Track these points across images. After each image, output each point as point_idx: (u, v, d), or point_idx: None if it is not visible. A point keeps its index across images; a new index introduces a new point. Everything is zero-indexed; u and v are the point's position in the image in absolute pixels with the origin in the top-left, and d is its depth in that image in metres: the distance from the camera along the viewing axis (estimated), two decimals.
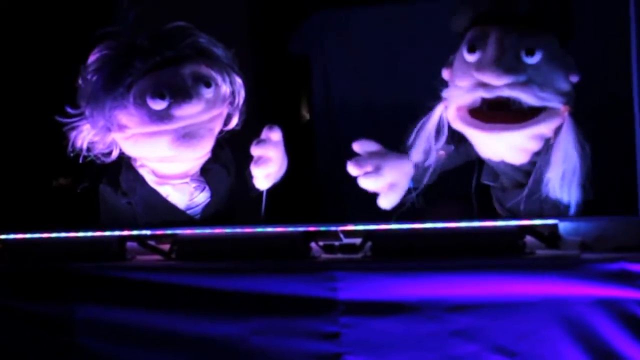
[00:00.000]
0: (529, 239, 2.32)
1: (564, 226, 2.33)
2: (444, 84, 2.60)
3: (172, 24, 2.65)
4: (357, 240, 2.40)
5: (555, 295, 2.19)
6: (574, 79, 2.50)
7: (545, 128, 2.48)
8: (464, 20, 2.57)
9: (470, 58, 2.49)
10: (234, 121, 2.75)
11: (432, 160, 2.60)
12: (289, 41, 3.54)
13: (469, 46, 2.49)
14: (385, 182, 2.53)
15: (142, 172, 2.72)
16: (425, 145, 2.59)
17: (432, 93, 2.60)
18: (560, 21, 2.50)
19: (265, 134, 2.60)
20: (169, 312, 2.39)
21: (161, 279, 2.41)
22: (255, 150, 2.59)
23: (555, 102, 2.47)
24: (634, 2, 2.28)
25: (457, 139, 2.62)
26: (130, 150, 2.68)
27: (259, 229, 2.45)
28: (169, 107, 2.56)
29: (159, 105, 2.56)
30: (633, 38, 2.28)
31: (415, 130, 2.60)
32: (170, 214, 2.70)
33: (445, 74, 2.60)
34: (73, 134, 2.67)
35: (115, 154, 2.70)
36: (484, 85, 2.47)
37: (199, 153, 2.67)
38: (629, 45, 2.32)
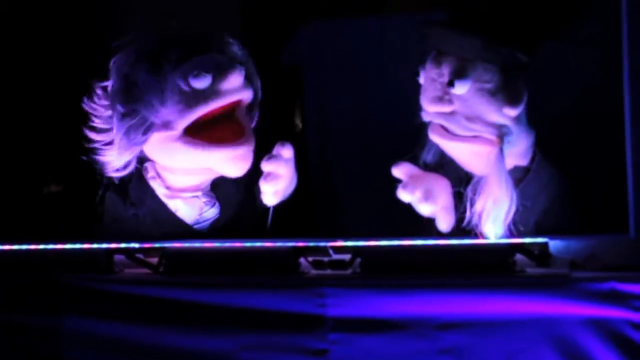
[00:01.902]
0: (519, 257, 2.31)
1: (554, 244, 2.32)
2: None
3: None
4: (347, 257, 2.39)
5: (545, 313, 2.18)
6: (511, 111, 2.48)
7: (477, 148, 2.49)
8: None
9: (421, 81, 2.56)
10: (254, 118, 2.75)
11: None
12: (282, 52, 3.54)
13: (417, 71, 2.56)
14: (440, 205, 2.53)
15: (154, 184, 2.71)
16: None
17: None
18: (501, 55, 2.47)
19: (276, 150, 2.60)
20: (157, 326, 2.38)
21: (149, 293, 2.39)
22: (266, 166, 2.58)
23: (486, 134, 2.48)
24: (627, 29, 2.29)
25: None
26: (167, 155, 2.64)
27: (248, 244, 2.44)
28: (213, 82, 2.56)
29: (203, 82, 2.55)
30: (625, 59, 2.29)
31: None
32: (177, 228, 2.69)
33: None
34: (102, 148, 2.64)
35: (129, 169, 2.68)
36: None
37: (241, 173, 2.65)
38: (619, 66, 2.32)
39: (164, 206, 2.70)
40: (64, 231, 2.91)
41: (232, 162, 2.61)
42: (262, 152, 2.65)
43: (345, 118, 3.44)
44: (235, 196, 2.77)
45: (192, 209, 2.72)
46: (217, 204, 2.75)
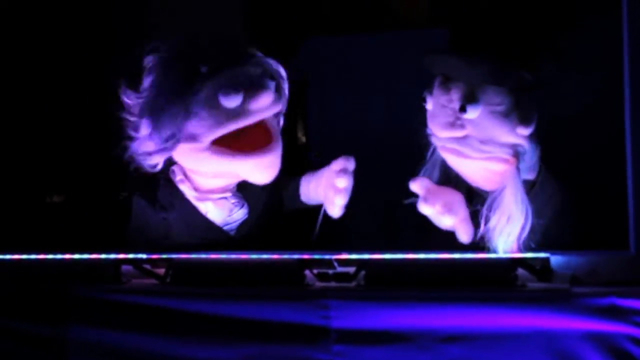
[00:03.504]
0: (520, 271, 2.34)
1: (555, 260, 2.35)
2: None
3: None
4: (351, 269, 2.42)
5: (545, 328, 2.20)
6: (525, 131, 2.49)
7: (493, 166, 2.51)
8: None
9: (428, 107, 2.57)
10: (281, 122, 2.76)
11: None
12: (286, 67, 3.56)
13: (423, 97, 2.57)
14: (459, 217, 2.55)
15: (182, 187, 2.71)
16: None
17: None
18: (509, 78, 2.49)
19: (344, 164, 2.62)
20: (163, 336, 2.40)
21: (156, 303, 2.41)
22: (343, 182, 2.60)
23: (500, 154, 2.50)
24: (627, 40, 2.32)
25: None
26: (194, 162, 2.65)
27: (254, 256, 2.47)
28: (243, 101, 2.55)
29: (234, 101, 2.54)
30: (626, 74, 2.32)
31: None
32: (208, 231, 2.70)
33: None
34: (133, 147, 2.62)
35: (160, 167, 2.66)
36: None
37: (270, 179, 2.67)
38: (621, 82, 2.35)
39: (194, 209, 2.70)
40: (85, 240, 2.91)
41: (261, 170, 2.63)
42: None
43: (349, 132, 3.46)
44: (262, 197, 2.78)
45: (222, 210, 2.72)
46: (245, 205, 2.76)
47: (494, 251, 2.45)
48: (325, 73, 3.56)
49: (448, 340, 2.24)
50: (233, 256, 2.50)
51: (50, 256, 2.57)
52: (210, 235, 2.70)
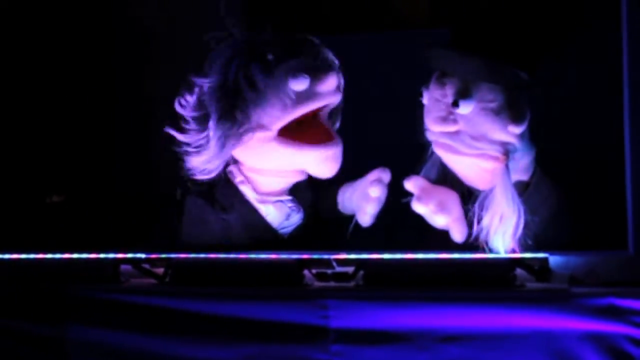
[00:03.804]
0: (519, 271, 2.34)
1: (554, 260, 2.35)
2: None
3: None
4: (350, 269, 2.42)
5: (544, 328, 2.21)
6: (516, 129, 2.49)
7: (483, 164, 2.52)
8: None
9: (424, 101, 2.59)
10: (336, 123, 2.81)
11: None
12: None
13: (421, 91, 2.59)
14: (453, 216, 2.56)
15: (244, 188, 2.73)
16: None
17: None
18: (504, 75, 2.50)
19: (379, 174, 2.66)
20: (162, 336, 2.40)
21: (154, 303, 2.42)
22: (376, 192, 2.64)
23: (491, 151, 2.50)
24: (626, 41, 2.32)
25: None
26: (256, 161, 2.69)
27: (253, 256, 2.47)
28: (311, 84, 2.59)
29: (302, 84, 2.59)
30: (625, 75, 2.32)
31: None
32: (266, 233, 2.73)
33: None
34: (194, 154, 2.64)
35: (216, 173, 2.67)
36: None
37: (332, 174, 2.70)
38: (619, 81, 2.36)
39: (255, 211, 2.72)
40: (84, 239, 2.91)
41: (325, 162, 2.66)
42: None
43: (348, 133, 3.46)
44: (313, 202, 2.82)
45: (280, 213, 2.75)
46: (301, 209, 2.79)
47: (491, 251, 2.46)
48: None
49: (447, 340, 2.25)
50: (232, 256, 2.50)
51: (49, 256, 2.57)
52: (267, 237, 2.73)
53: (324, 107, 2.71)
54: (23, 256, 2.60)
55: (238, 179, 2.73)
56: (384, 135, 3.25)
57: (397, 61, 3.30)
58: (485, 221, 2.48)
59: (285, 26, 2.72)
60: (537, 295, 2.25)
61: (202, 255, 2.52)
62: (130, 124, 3.31)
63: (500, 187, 2.47)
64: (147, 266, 2.56)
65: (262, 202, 2.74)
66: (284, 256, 2.45)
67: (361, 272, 2.40)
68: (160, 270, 2.53)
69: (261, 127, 2.62)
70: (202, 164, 2.63)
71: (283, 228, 2.77)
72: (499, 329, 2.23)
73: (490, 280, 2.31)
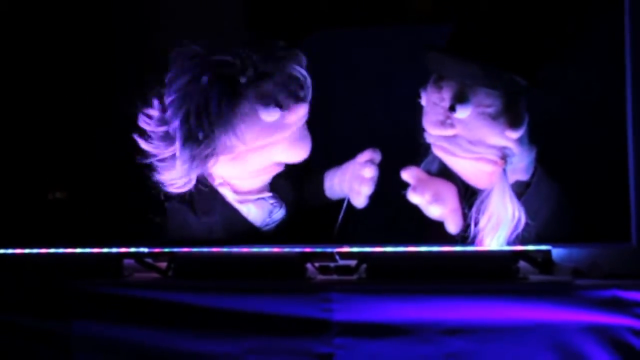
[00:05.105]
0: (522, 264, 2.34)
1: (557, 252, 2.35)
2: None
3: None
4: (353, 262, 2.42)
5: (547, 320, 2.21)
6: (513, 134, 2.49)
7: (481, 166, 2.53)
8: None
9: (422, 103, 2.59)
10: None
11: None
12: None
13: (418, 93, 2.59)
14: (448, 208, 2.58)
15: (223, 190, 2.71)
16: None
17: None
18: (501, 81, 2.48)
19: (372, 155, 2.68)
20: (165, 330, 2.40)
21: (158, 297, 2.42)
22: (370, 172, 2.66)
23: (489, 155, 2.51)
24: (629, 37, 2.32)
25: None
26: (227, 169, 2.64)
27: (256, 249, 2.47)
28: (282, 115, 2.55)
29: (273, 115, 2.53)
30: (628, 71, 2.32)
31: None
32: (249, 233, 2.72)
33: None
34: (162, 168, 2.58)
35: (190, 186, 2.63)
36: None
37: (307, 154, 2.68)
38: (621, 76, 2.36)
39: (236, 212, 2.71)
40: (87, 234, 2.91)
41: (294, 146, 2.64)
42: None
43: (349, 127, 3.47)
44: (292, 195, 2.81)
45: (262, 211, 2.75)
46: (283, 205, 2.78)
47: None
48: (328, 68, 3.56)
49: (450, 333, 2.25)
50: (235, 250, 2.50)
51: (51, 251, 2.57)
52: (250, 235, 2.72)
53: None
54: (26, 251, 2.59)
55: (217, 181, 2.71)
56: (384, 130, 3.26)
57: (398, 56, 3.31)
58: (481, 223, 2.49)
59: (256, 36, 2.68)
60: (540, 288, 2.25)
61: (205, 249, 2.52)
62: (130, 123, 3.31)
63: (498, 191, 2.48)
64: (150, 260, 2.56)
65: (243, 202, 2.72)
66: (286, 250, 2.44)
67: (364, 265, 2.40)
68: (164, 265, 2.53)
69: (229, 149, 2.57)
70: (170, 179, 2.59)
71: (266, 225, 2.77)
72: (501, 321, 2.23)
73: (493, 273, 2.31)
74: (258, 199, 2.74)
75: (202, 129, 2.50)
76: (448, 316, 2.25)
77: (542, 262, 2.35)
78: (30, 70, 3.27)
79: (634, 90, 2.33)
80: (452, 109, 2.49)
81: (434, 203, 2.57)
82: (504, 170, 2.49)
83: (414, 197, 2.58)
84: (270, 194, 2.76)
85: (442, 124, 2.52)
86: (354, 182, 2.69)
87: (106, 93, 3.28)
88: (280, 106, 2.55)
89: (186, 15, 3.34)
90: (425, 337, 2.26)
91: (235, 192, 2.72)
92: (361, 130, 3.47)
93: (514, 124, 2.48)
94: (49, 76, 3.29)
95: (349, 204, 2.73)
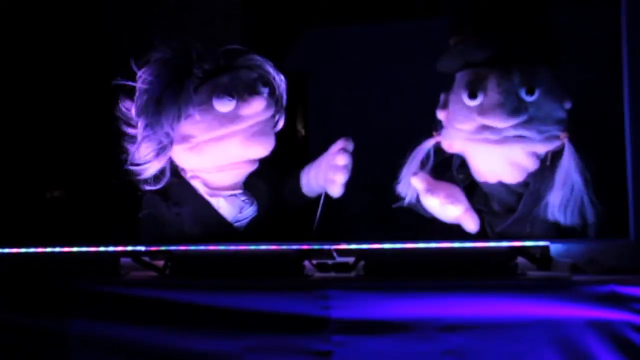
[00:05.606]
0: (520, 260, 2.34)
1: (555, 248, 2.35)
2: (439, 124, 2.64)
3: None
4: (350, 259, 2.42)
5: (546, 316, 2.21)
6: (568, 105, 2.53)
7: (541, 147, 2.52)
8: (455, 63, 2.61)
9: (472, 103, 2.52)
10: (281, 123, 2.79)
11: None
12: (286, 58, 3.56)
13: (469, 92, 2.52)
14: (464, 207, 2.57)
15: (195, 183, 2.74)
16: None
17: (429, 114, 2.64)
18: (553, 53, 2.53)
19: (344, 144, 2.68)
20: (163, 328, 2.40)
21: (155, 295, 2.42)
22: (343, 160, 2.66)
23: (555, 132, 2.51)
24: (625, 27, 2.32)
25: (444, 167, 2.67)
26: (189, 161, 2.70)
27: (253, 247, 2.47)
28: (236, 107, 2.60)
29: (226, 106, 2.60)
30: (625, 67, 2.32)
31: (406, 164, 2.65)
32: (219, 227, 2.73)
33: (441, 115, 2.63)
34: (132, 149, 2.66)
35: (164, 181, 2.69)
36: (488, 128, 2.51)
37: (266, 152, 2.71)
38: (619, 70, 2.36)
39: (207, 204, 2.73)
40: (84, 233, 2.92)
41: (249, 141, 2.66)
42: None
43: (349, 124, 3.46)
44: (268, 194, 2.82)
45: (233, 207, 2.75)
46: (254, 202, 2.79)
47: (554, 225, 2.48)
48: (325, 65, 3.56)
49: (448, 329, 2.25)
50: (232, 248, 2.49)
51: (49, 250, 2.58)
52: (221, 230, 2.72)
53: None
54: (23, 250, 2.60)
55: (189, 174, 2.74)
56: (382, 128, 3.26)
57: (400, 52, 3.31)
58: (553, 197, 2.48)
59: (221, 39, 2.72)
60: (539, 284, 2.24)
61: (201, 247, 2.52)
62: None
63: (567, 162, 2.48)
64: (147, 259, 2.56)
65: (214, 195, 2.74)
66: (284, 247, 2.44)
67: (362, 263, 2.40)
68: (160, 263, 2.53)
69: (185, 139, 2.64)
70: (139, 163, 2.64)
71: (237, 221, 2.77)
72: (500, 317, 2.22)
73: (491, 269, 2.31)
74: (230, 195, 2.75)
75: (155, 117, 2.59)
76: (446, 313, 2.25)
77: (540, 258, 2.35)
78: (27, 70, 3.27)
79: (631, 90, 2.33)
80: (530, 91, 2.48)
81: (451, 203, 2.56)
82: (569, 140, 2.50)
83: (430, 200, 2.57)
84: (241, 191, 2.77)
85: (518, 110, 2.48)
86: (328, 171, 2.70)
87: (105, 93, 3.28)
88: (235, 98, 2.60)
89: (186, 15, 3.34)
90: (423, 333, 2.25)
91: (207, 185, 2.73)
92: (358, 128, 3.47)
93: (567, 94, 2.52)
94: (49, 76, 3.29)
95: (327, 198, 2.72)
